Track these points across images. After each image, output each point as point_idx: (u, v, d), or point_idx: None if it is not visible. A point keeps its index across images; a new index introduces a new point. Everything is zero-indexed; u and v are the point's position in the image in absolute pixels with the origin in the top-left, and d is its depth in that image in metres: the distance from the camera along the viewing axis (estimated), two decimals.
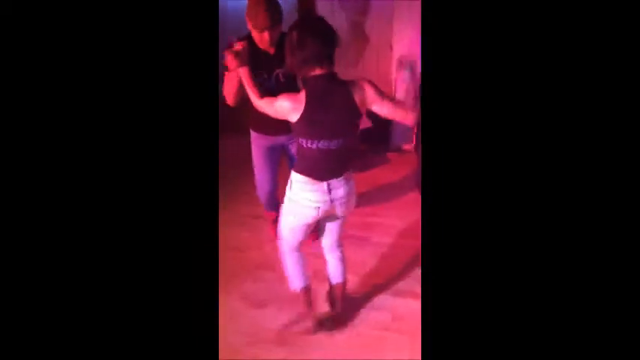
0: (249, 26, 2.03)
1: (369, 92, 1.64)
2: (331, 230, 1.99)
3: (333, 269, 2.08)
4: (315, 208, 1.74)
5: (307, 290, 2.09)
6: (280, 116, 1.66)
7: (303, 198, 1.73)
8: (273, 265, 2.47)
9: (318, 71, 1.59)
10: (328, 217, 1.87)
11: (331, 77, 1.62)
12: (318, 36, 1.54)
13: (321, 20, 1.58)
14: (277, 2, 2.00)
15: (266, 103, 1.71)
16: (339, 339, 2.09)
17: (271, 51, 2.15)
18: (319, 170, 1.70)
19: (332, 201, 1.75)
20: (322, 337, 2.10)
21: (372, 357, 2.00)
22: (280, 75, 2.18)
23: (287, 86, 2.07)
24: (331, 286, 2.13)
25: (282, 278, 2.19)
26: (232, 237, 2.86)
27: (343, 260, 2.08)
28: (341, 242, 2.06)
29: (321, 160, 1.68)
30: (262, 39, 2.05)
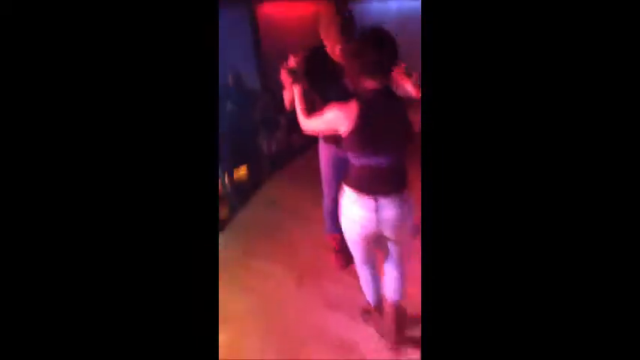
0: (322, 36, 1.95)
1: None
2: (391, 250, 1.85)
3: (389, 284, 1.98)
4: (361, 225, 1.66)
5: (377, 307, 2.04)
6: (331, 128, 1.58)
7: (351, 212, 1.66)
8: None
9: (372, 84, 1.49)
10: (382, 236, 1.74)
11: (386, 92, 1.51)
12: (374, 46, 1.43)
13: (381, 30, 1.47)
14: (351, 16, 1.89)
15: (315, 119, 1.64)
16: None
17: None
18: (368, 186, 1.60)
19: (380, 221, 1.63)
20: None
21: None
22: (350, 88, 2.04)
23: None
24: (384, 300, 2.03)
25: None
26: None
27: (401, 281, 1.95)
28: (402, 264, 1.92)
29: (371, 177, 1.59)
30: (334, 52, 1.95)
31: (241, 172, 3.88)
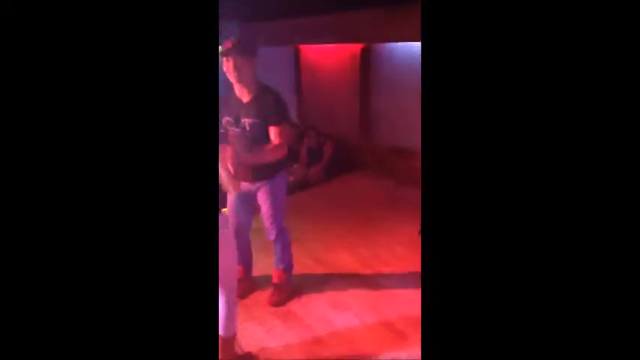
0: None
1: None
2: None
3: None
4: None
5: (226, 340, 1.93)
6: None
7: None
8: None
9: None
10: None
11: None
12: None
13: None
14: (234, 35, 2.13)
15: None
16: None
17: (245, 100, 2.24)
18: None
19: None
20: None
21: None
22: (247, 124, 2.22)
23: (254, 135, 2.20)
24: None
25: None
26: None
27: (223, 313, 1.88)
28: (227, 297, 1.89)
29: None
30: (226, 69, 2.13)
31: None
